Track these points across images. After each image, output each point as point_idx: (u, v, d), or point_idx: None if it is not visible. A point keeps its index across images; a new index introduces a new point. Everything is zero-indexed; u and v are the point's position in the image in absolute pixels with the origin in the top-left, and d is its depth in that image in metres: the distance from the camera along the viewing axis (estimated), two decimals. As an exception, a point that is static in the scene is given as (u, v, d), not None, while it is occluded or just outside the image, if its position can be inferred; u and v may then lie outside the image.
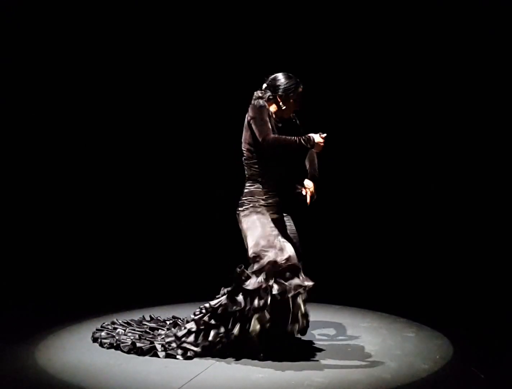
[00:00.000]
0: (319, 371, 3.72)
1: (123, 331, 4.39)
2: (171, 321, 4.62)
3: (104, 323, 4.60)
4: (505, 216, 5.91)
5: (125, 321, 4.65)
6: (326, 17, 6.17)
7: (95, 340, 4.34)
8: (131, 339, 4.18)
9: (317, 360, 3.92)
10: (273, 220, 4.10)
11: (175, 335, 4.11)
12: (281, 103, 4.11)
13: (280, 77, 4.12)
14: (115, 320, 4.64)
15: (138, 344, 4.07)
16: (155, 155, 6.58)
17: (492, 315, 5.02)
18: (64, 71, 6.34)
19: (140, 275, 6.23)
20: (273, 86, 4.10)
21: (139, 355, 4.01)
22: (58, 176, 6.43)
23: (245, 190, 4.16)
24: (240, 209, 4.13)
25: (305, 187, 4.19)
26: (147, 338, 4.20)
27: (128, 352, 4.06)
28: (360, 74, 6.21)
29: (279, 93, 4.09)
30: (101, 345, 4.23)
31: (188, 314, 4.91)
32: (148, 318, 4.77)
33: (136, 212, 6.59)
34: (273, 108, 4.14)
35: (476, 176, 6.01)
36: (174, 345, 4.05)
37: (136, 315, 4.93)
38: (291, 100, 4.11)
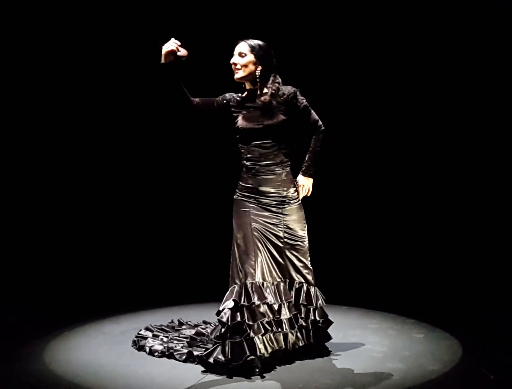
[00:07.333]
0: (327, 372, 3.70)
1: (166, 338, 4.23)
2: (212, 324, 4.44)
3: (140, 330, 4.41)
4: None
5: (159, 327, 4.49)
6: (325, 16, 6.15)
7: (140, 348, 4.16)
8: (186, 347, 4.02)
9: (325, 362, 3.90)
10: (252, 213, 3.86)
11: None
12: None
13: None
14: (149, 326, 4.47)
15: (195, 353, 3.89)
16: (157, 156, 6.56)
17: (502, 316, 4.98)
18: (64, 72, 6.31)
19: (144, 275, 6.22)
20: None
21: (197, 364, 3.82)
22: (60, 178, 6.41)
23: None
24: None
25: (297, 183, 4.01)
26: (200, 345, 4.04)
27: (185, 361, 3.89)
28: (359, 74, 6.19)
29: None
30: (151, 353, 4.05)
31: (192, 314, 4.93)
32: (176, 322, 4.63)
33: (138, 212, 6.58)
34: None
35: (478, 174, 5.97)
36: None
37: (141, 316, 4.94)
38: None
